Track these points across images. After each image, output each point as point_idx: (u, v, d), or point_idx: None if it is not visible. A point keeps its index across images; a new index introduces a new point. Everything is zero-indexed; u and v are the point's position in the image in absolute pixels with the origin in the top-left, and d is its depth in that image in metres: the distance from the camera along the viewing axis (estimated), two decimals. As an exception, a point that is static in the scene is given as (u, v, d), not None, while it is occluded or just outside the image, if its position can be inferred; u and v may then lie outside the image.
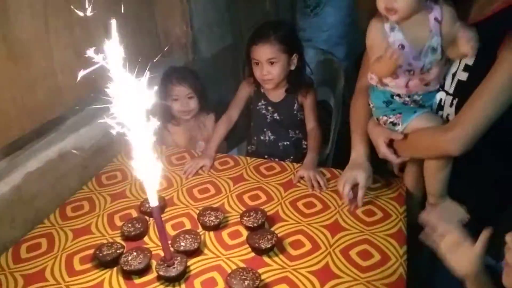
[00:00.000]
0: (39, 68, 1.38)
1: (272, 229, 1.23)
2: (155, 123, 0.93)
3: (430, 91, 1.24)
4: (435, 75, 1.20)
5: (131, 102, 0.90)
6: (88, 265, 1.14)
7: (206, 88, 1.86)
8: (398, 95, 1.26)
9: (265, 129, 1.79)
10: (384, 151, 1.29)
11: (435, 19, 1.15)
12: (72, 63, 1.51)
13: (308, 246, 1.17)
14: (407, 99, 1.25)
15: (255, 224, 1.21)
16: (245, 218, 1.23)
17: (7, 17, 1.26)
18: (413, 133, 1.22)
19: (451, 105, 1.19)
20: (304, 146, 1.76)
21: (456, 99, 1.17)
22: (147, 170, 0.96)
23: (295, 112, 1.74)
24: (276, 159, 1.72)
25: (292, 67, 1.67)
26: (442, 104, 1.22)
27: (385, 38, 1.18)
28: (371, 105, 1.34)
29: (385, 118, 1.28)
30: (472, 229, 0.97)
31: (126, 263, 1.10)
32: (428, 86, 1.23)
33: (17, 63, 1.31)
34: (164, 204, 1.34)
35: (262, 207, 1.30)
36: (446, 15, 1.15)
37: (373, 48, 1.22)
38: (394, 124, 1.26)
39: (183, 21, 1.97)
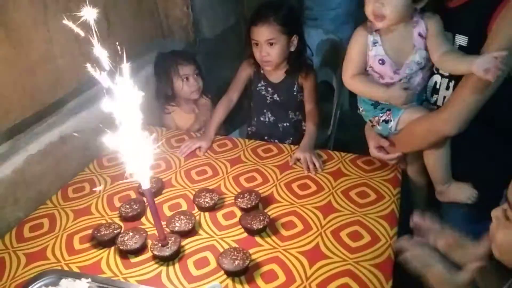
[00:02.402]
0: (39, 52, 1.40)
1: (266, 210, 1.25)
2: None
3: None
4: (416, 83, 1.23)
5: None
6: (87, 245, 1.18)
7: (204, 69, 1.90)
8: None
9: (265, 110, 1.79)
10: (374, 153, 1.38)
11: (419, 34, 1.17)
12: (72, 47, 1.54)
13: (300, 227, 1.19)
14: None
15: (249, 206, 1.23)
16: (239, 200, 1.26)
17: (6, 2, 1.28)
18: (408, 124, 1.24)
19: (447, 87, 1.19)
20: (304, 128, 1.76)
21: (453, 81, 1.16)
22: (138, 155, 0.99)
23: (295, 93, 1.74)
24: (276, 140, 1.73)
25: (292, 49, 1.66)
26: (438, 87, 1.21)
27: (364, 52, 1.24)
28: (360, 109, 1.38)
29: (376, 118, 1.32)
30: (480, 207, 0.97)
31: (123, 242, 1.14)
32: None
33: (17, 48, 1.33)
34: (161, 186, 1.37)
35: (257, 189, 1.32)
36: (430, 29, 1.16)
37: (351, 59, 1.27)
38: (386, 121, 1.29)
39: (184, 2, 1.96)
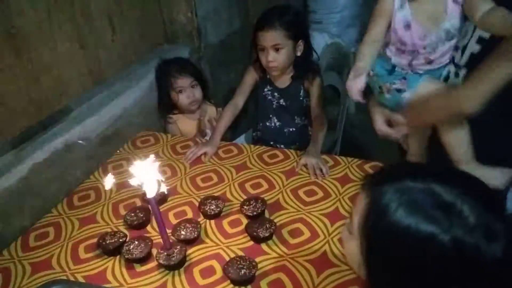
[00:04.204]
0: (43, 60, 1.40)
1: (272, 217, 1.23)
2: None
3: (434, 68, 1.19)
4: (440, 54, 1.16)
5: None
6: (93, 254, 1.18)
7: (207, 75, 1.88)
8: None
9: (270, 115, 1.78)
10: (381, 128, 1.27)
11: (454, 0, 1.09)
12: (77, 54, 1.54)
13: (307, 234, 1.17)
14: (409, 71, 1.22)
15: (255, 213, 1.22)
16: (245, 207, 1.24)
17: (10, 10, 1.28)
18: (424, 96, 1.16)
19: (456, 74, 1.13)
20: (310, 133, 1.75)
21: (465, 69, 1.10)
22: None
23: (301, 98, 1.73)
24: (282, 146, 1.72)
25: (298, 53, 1.65)
26: (449, 76, 1.16)
27: (389, 16, 1.15)
28: (371, 73, 1.27)
29: (388, 84, 1.23)
30: None
31: (128, 251, 1.13)
32: (431, 64, 1.19)
33: (21, 56, 1.33)
34: (167, 193, 1.36)
35: (263, 195, 1.31)
36: None
37: (373, 20, 1.19)
38: (399, 90, 1.21)
39: (188, 7, 1.96)
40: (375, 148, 1.38)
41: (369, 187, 0.67)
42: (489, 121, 1.05)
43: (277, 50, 1.59)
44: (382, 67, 1.25)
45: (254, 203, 1.25)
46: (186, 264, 1.11)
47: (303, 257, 1.10)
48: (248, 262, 1.05)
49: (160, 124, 1.86)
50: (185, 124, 1.85)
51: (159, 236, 1.18)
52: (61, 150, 1.41)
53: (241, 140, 1.98)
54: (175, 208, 1.32)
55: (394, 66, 1.24)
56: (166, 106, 1.82)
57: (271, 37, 1.56)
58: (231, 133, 1.91)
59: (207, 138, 1.74)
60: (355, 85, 1.22)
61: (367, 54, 1.23)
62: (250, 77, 1.76)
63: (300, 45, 1.63)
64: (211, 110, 1.90)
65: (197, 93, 1.80)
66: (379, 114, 1.28)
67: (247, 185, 1.39)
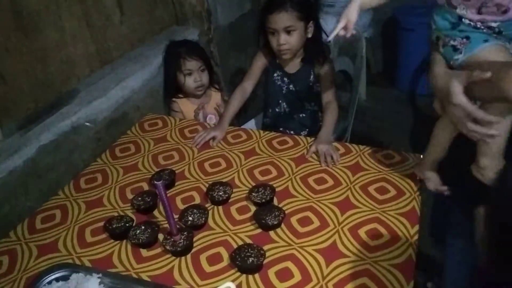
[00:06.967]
0: (50, 40, 1.38)
1: (281, 205, 1.21)
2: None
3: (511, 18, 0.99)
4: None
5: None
6: (99, 237, 1.16)
7: (216, 58, 1.85)
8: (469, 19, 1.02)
9: (280, 101, 1.75)
10: (461, 99, 0.97)
11: None
12: (84, 35, 1.51)
13: (316, 223, 1.15)
14: (479, 24, 1.02)
15: (263, 200, 1.19)
16: (253, 194, 1.22)
17: (16, -11, 1.25)
18: (480, 63, 0.96)
19: None
20: (321, 119, 1.71)
21: None
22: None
23: (311, 84, 1.69)
24: (292, 132, 1.69)
25: (309, 35, 1.61)
26: None
27: None
28: (433, 26, 1.09)
29: (447, 39, 1.05)
30: None
31: (134, 236, 1.12)
32: (507, 14, 0.98)
33: (28, 35, 1.31)
34: (174, 178, 1.34)
35: (272, 182, 1.29)
36: None
37: None
38: (455, 49, 1.03)
39: (198, -11, 1.91)
40: (386, 136, 1.34)
41: None
42: None
43: (288, 32, 1.54)
44: (445, 19, 1.06)
45: (262, 190, 1.22)
46: (193, 250, 1.10)
47: (312, 246, 1.08)
48: (256, 250, 1.03)
49: (166, 104, 1.84)
50: (189, 108, 1.82)
51: (166, 221, 1.17)
52: (68, 132, 1.39)
53: (251, 124, 1.95)
54: (183, 193, 1.30)
55: (460, 19, 1.03)
56: (171, 88, 1.79)
57: (283, 19, 1.52)
58: (240, 118, 1.88)
59: (214, 122, 1.72)
60: (347, 11, 1.19)
61: None
62: (259, 62, 1.72)
63: (311, 26, 1.59)
64: (216, 95, 1.87)
65: (204, 77, 1.77)
66: (456, 77, 1.00)
67: (256, 172, 1.36)
